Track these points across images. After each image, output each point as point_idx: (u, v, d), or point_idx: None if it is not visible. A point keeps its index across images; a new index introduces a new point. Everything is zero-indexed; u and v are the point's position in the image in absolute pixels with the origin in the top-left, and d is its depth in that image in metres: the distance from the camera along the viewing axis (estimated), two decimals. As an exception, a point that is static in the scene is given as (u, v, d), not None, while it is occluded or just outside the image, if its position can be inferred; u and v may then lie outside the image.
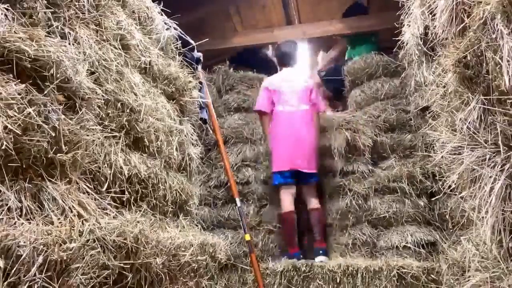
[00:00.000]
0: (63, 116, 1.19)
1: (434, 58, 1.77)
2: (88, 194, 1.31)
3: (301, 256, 3.21)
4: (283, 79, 3.59)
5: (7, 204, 1.03)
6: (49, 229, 1.02)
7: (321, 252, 3.19)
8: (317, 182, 3.48)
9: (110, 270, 1.14)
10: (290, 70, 3.70)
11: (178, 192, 2.08)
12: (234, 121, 3.73)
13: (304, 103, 3.48)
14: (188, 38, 2.60)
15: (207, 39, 2.90)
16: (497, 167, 1.16)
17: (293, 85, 3.54)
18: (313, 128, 3.47)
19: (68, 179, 1.24)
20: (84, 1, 1.51)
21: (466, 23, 1.33)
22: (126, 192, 1.62)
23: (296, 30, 4.47)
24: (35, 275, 0.92)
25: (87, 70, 1.44)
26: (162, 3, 2.23)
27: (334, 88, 4.32)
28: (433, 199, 3.14)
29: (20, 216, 1.05)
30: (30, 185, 1.11)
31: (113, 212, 1.36)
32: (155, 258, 1.40)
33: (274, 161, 3.42)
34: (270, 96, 3.50)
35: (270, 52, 4.80)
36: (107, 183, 1.50)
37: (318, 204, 3.41)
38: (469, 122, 1.28)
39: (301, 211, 3.49)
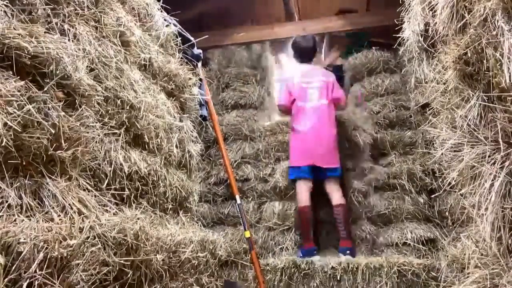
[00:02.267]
0: (62, 113, 1.19)
1: (434, 55, 1.76)
2: (88, 191, 1.31)
3: (315, 252, 3.15)
4: (302, 75, 3.57)
5: (7, 201, 1.03)
6: (49, 226, 1.02)
7: (348, 252, 3.03)
8: (339, 176, 3.35)
9: (110, 267, 1.14)
10: (308, 66, 3.69)
11: (178, 189, 2.08)
12: (232, 118, 3.72)
13: (324, 98, 3.45)
14: (188, 35, 2.60)
15: (207, 36, 2.89)
16: (497, 164, 1.16)
17: (313, 80, 3.52)
18: (332, 123, 3.41)
19: (68, 176, 1.25)
20: (83, -2, 1.50)
21: (466, 20, 1.32)
22: (126, 189, 1.62)
23: (296, 26, 4.45)
24: (35, 271, 0.92)
25: (87, 67, 1.43)
26: (161, 0, 2.23)
27: None
28: (433, 196, 3.15)
29: (20, 213, 1.05)
30: (30, 182, 1.11)
31: (113, 209, 1.37)
32: (155, 255, 1.40)
33: (292, 156, 3.39)
34: (289, 90, 3.52)
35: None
36: (107, 180, 1.50)
37: (342, 199, 3.24)
38: (469, 119, 1.28)
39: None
